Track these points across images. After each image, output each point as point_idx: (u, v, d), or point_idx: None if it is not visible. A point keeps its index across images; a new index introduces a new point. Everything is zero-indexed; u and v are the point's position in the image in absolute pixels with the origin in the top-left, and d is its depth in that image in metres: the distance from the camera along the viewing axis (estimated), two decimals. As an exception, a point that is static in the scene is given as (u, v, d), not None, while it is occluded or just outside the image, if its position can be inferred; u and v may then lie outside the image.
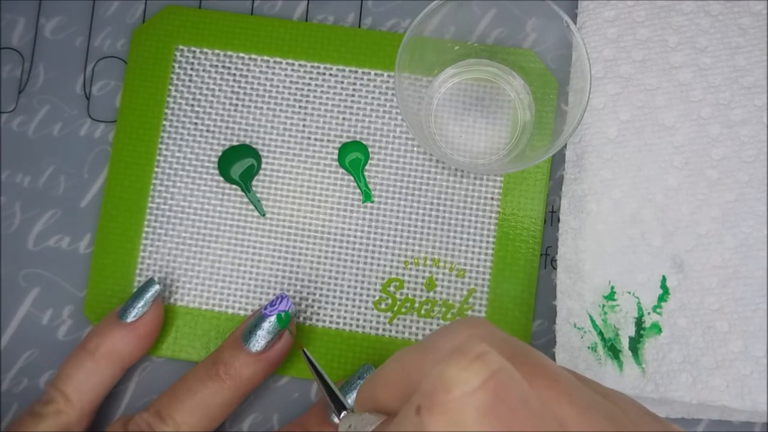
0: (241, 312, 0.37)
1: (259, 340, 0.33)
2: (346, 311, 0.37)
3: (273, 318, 0.33)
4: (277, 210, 0.37)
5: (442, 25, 0.35)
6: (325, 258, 0.37)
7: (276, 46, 0.38)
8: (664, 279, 0.35)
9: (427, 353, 0.22)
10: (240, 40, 0.38)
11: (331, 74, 0.38)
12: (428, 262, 0.37)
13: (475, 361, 0.19)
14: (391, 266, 0.37)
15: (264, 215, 0.37)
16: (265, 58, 0.38)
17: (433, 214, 0.37)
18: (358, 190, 0.38)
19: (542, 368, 0.21)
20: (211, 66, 0.38)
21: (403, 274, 0.37)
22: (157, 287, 0.35)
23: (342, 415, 0.29)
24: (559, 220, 0.37)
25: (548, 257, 0.37)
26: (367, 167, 0.38)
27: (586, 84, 0.33)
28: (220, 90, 0.38)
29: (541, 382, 0.21)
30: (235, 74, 0.38)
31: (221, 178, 0.38)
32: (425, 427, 0.19)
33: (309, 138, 0.38)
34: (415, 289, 0.37)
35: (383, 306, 0.37)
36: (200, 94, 0.38)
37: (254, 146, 0.38)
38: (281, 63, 0.38)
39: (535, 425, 0.19)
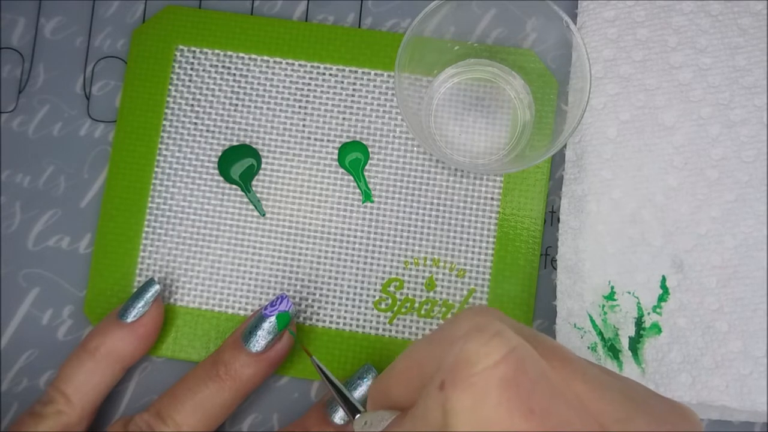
0: (241, 312, 0.37)
1: (260, 340, 0.33)
2: (346, 311, 0.37)
3: (273, 318, 0.33)
4: (277, 210, 0.37)
5: (442, 25, 0.35)
6: (325, 258, 0.37)
7: (276, 46, 0.38)
8: (663, 279, 0.35)
9: (439, 343, 0.22)
10: (240, 40, 0.38)
11: (331, 74, 0.38)
12: (428, 262, 0.37)
13: (495, 337, 0.20)
14: (391, 266, 0.37)
15: (264, 215, 0.37)
16: (265, 58, 0.38)
17: (433, 214, 0.37)
18: (358, 190, 0.38)
19: (554, 349, 0.22)
20: (211, 66, 0.38)
21: (403, 274, 0.37)
22: (157, 287, 0.35)
23: (356, 417, 0.28)
24: (559, 220, 0.37)
25: (548, 257, 0.37)
26: (367, 167, 0.38)
27: (586, 84, 0.33)
28: (220, 90, 0.38)
29: (555, 363, 0.21)
30: (235, 74, 0.38)
31: (221, 178, 0.38)
32: (449, 401, 0.19)
33: (309, 138, 0.38)
34: (415, 289, 0.37)
35: (383, 306, 0.37)
36: (200, 94, 0.38)
37: (254, 146, 0.38)
38: (281, 63, 0.38)
39: (556, 397, 0.19)
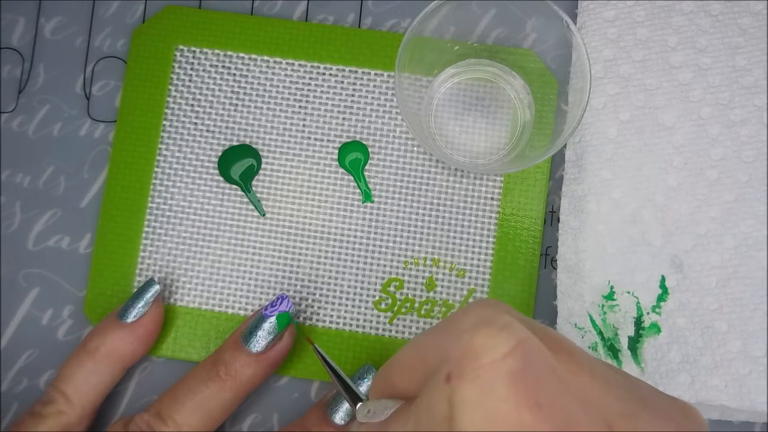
0: (241, 312, 0.37)
1: (260, 340, 0.33)
2: (346, 311, 0.37)
3: (273, 319, 0.33)
4: (277, 210, 0.37)
5: (442, 25, 0.35)
6: (325, 258, 0.37)
7: (276, 46, 0.38)
8: (663, 279, 0.35)
9: (445, 334, 0.22)
10: (240, 40, 0.38)
11: (331, 74, 0.38)
12: (428, 262, 0.37)
13: (503, 330, 0.19)
14: (391, 266, 0.37)
15: (264, 215, 0.37)
16: (265, 58, 0.38)
17: (433, 214, 0.37)
18: (358, 190, 0.38)
19: (561, 343, 0.22)
20: (211, 66, 0.38)
21: (403, 274, 0.37)
22: (157, 287, 0.35)
23: (358, 405, 0.28)
24: (559, 220, 0.37)
25: (548, 257, 0.37)
26: (367, 167, 0.38)
27: (586, 84, 0.33)
28: (220, 90, 0.38)
29: (562, 356, 0.21)
30: (235, 74, 0.38)
31: (221, 178, 0.38)
32: (456, 394, 0.19)
33: (309, 138, 0.38)
34: (415, 289, 0.37)
35: (383, 306, 0.37)
36: (200, 94, 0.38)
37: (254, 146, 0.38)
38: (281, 63, 0.38)
39: (563, 391, 0.19)
